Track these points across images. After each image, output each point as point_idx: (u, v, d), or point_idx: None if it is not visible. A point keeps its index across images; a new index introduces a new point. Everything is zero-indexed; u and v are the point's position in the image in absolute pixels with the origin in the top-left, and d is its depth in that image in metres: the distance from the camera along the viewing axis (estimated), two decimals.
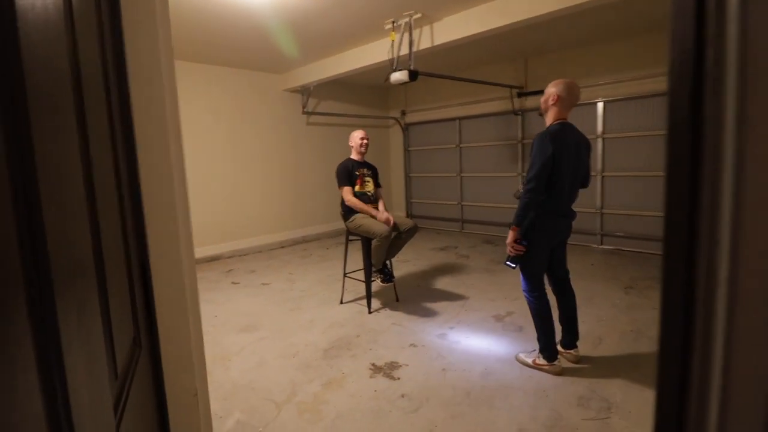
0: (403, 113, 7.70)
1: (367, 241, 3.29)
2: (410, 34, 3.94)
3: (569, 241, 2.48)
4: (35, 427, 0.35)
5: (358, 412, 2.05)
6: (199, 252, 5.25)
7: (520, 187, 2.26)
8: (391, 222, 3.20)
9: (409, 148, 7.79)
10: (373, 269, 3.34)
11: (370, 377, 2.38)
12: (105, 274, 0.65)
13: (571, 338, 2.46)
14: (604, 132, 5.28)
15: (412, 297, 3.72)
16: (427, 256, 5.26)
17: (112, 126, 0.85)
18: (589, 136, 2.41)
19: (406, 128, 7.75)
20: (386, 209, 3.46)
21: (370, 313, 3.36)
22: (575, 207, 2.35)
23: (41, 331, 0.36)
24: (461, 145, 6.91)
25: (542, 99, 2.30)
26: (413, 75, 3.96)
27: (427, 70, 4.44)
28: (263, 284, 4.34)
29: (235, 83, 5.69)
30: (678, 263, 0.36)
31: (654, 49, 4.72)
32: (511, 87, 5.88)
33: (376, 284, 3.47)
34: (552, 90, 2.24)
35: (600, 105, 5.25)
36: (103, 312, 0.61)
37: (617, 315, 3.14)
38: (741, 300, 0.32)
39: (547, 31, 4.53)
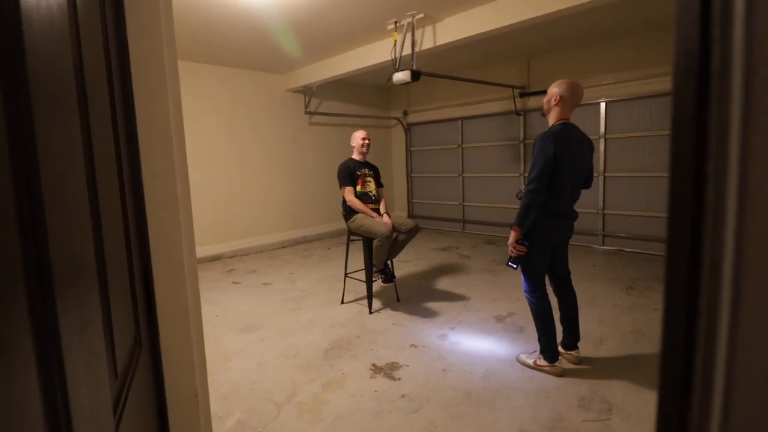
0: (405, 113, 7.70)
1: (368, 241, 3.29)
2: (413, 35, 3.94)
3: (571, 242, 2.48)
4: (34, 427, 0.35)
5: (358, 413, 2.05)
6: (201, 251, 5.26)
7: (522, 188, 2.26)
8: (390, 225, 3.20)
9: (411, 149, 7.79)
10: (374, 269, 3.34)
11: (371, 378, 2.38)
12: (106, 274, 0.65)
13: (572, 339, 2.45)
14: (606, 132, 5.27)
15: (413, 297, 3.72)
16: (429, 257, 5.25)
17: (115, 126, 0.85)
18: (591, 137, 2.40)
19: (408, 128, 7.75)
20: (388, 209, 3.46)
21: (370, 313, 3.36)
22: (577, 207, 2.35)
23: (41, 330, 0.37)
24: (463, 146, 6.91)
25: (545, 99, 2.30)
26: (415, 75, 3.96)
27: (429, 71, 4.44)
28: (264, 284, 4.35)
29: (237, 83, 5.70)
30: (681, 264, 0.36)
31: (657, 49, 4.71)
32: (513, 87, 5.87)
33: (377, 284, 3.47)
34: (554, 90, 2.23)
35: (602, 105, 5.24)
36: (104, 311, 0.62)
37: (618, 316, 3.13)
38: (745, 301, 0.32)
39: (550, 31, 4.52)
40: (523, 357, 2.49)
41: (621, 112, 5.15)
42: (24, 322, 0.34)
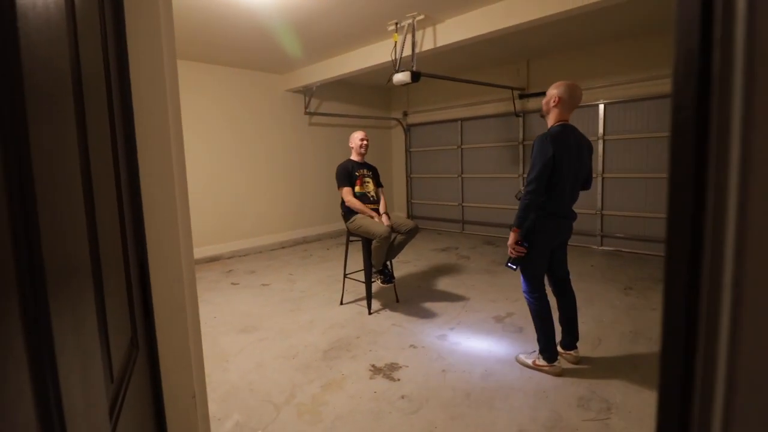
0: (405, 114, 7.70)
1: (367, 242, 3.29)
2: (413, 36, 3.94)
3: (569, 243, 2.48)
4: (26, 429, 0.35)
5: (357, 414, 2.05)
6: (199, 252, 5.25)
7: (522, 189, 2.26)
8: (389, 225, 3.20)
9: (411, 149, 7.79)
10: (374, 270, 3.34)
11: (370, 378, 2.38)
12: (102, 275, 0.65)
13: (571, 339, 2.45)
14: (605, 134, 5.28)
15: (413, 298, 3.72)
16: (428, 257, 5.25)
17: (112, 126, 0.85)
18: (590, 138, 2.41)
19: (407, 129, 7.76)
20: (387, 209, 3.46)
21: (370, 314, 3.36)
22: (575, 208, 2.35)
23: (34, 332, 0.36)
24: (463, 147, 6.91)
25: (544, 101, 2.30)
26: (415, 76, 3.96)
27: (429, 72, 4.44)
28: (263, 285, 4.34)
29: (237, 83, 5.70)
30: (681, 264, 0.36)
31: (655, 52, 4.72)
32: (512, 89, 5.88)
33: (377, 285, 3.46)
34: (553, 92, 2.24)
35: (601, 107, 5.25)
36: (99, 313, 0.61)
37: (617, 316, 3.13)
38: (747, 301, 0.31)
39: (549, 33, 4.53)
40: (522, 357, 2.48)
41: (619, 114, 5.16)
42: (16, 323, 0.34)
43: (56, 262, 0.42)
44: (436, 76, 4.80)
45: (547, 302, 2.33)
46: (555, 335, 2.36)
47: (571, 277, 2.48)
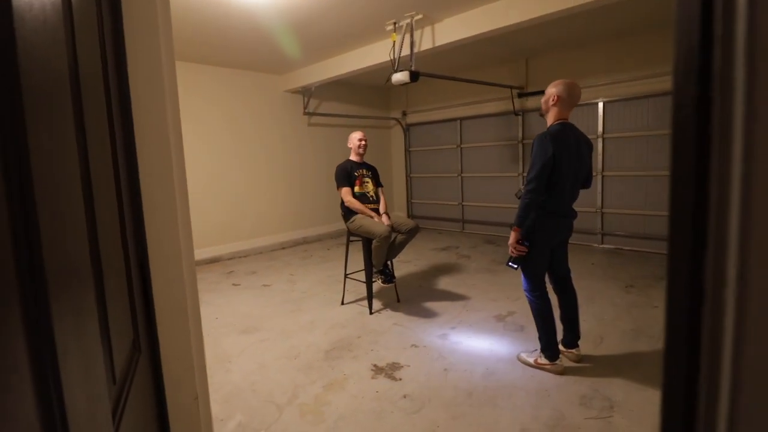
0: (404, 114, 7.70)
1: (368, 242, 3.29)
2: (411, 35, 3.94)
3: (570, 241, 2.47)
4: None
5: (359, 413, 2.05)
6: (200, 253, 5.25)
7: (522, 187, 2.26)
8: (389, 225, 3.20)
9: (410, 149, 7.79)
10: (374, 270, 3.34)
11: (372, 378, 2.38)
12: (103, 277, 0.65)
13: (572, 337, 2.45)
14: (604, 132, 5.28)
15: (414, 297, 3.72)
16: (429, 257, 5.25)
17: (111, 127, 0.84)
18: (589, 136, 2.41)
19: (407, 129, 7.75)
20: (387, 208, 3.46)
21: (371, 313, 3.36)
22: (575, 206, 2.35)
23: (36, 335, 0.36)
24: (462, 146, 6.91)
25: (543, 99, 2.30)
26: (414, 76, 3.96)
27: (428, 71, 4.44)
28: (264, 285, 4.34)
29: (236, 84, 5.69)
30: (683, 262, 0.36)
31: (655, 49, 4.71)
32: (511, 87, 5.88)
33: (377, 285, 3.46)
34: (552, 90, 2.23)
35: (600, 105, 5.25)
36: (101, 315, 0.61)
37: (618, 314, 3.13)
38: (751, 298, 0.31)
39: (548, 32, 4.53)
40: (523, 356, 2.48)
41: (619, 112, 5.16)
42: (17, 327, 0.34)
43: (57, 264, 0.41)
44: (434, 75, 4.79)
45: (548, 301, 2.32)
46: (556, 334, 2.36)
47: (571, 275, 2.47)
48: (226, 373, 2.50)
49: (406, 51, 4.03)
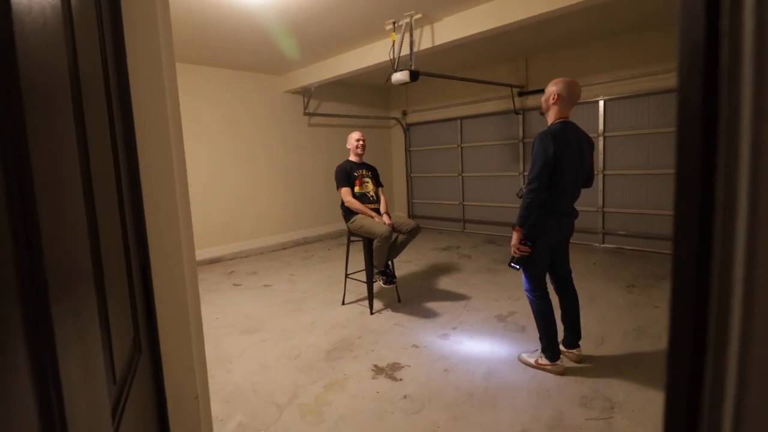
0: (405, 113, 7.70)
1: (368, 242, 3.29)
2: (411, 35, 3.94)
3: (571, 240, 2.47)
4: None
5: (360, 414, 2.05)
6: (201, 254, 5.25)
7: (523, 186, 2.25)
8: (389, 223, 3.20)
9: (411, 149, 7.79)
10: (375, 271, 3.33)
11: (372, 378, 2.38)
12: (103, 277, 0.65)
13: (573, 338, 2.45)
14: (605, 130, 5.27)
15: (414, 298, 3.72)
16: (429, 257, 5.25)
17: (112, 128, 0.84)
18: (590, 135, 2.40)
19: (407, 128, 7.75)
20: (388, 208, 3.46)
21: (372, 314, 3.36)
22: (576, 205, 2.34)
23: (35, 335, 0.36)
24: (462, 145, 6.91)
25: (543, 98, 2.30)
26: (414, 75, 3.96)
27: (427, 70, 4.44)
28: (265, 286, 4.34)
29: (236, 85, 5.70)
30: (688, 263, 0.36)
31: (655, 47, 4.71)
32: (511, 86, 5.87)
33: (378, 285, 3.46)
34: (552, 89, 2.23)
35: (601, 103, 5.24)
36: (101, 315, 0.61)
37: (619, 314, 3.13)
38: (758, 299, 0.31)
39: (548, 30, 4.52)
40: (524, 356, 2.48)
41: (620, 110, 5.15)
42: (17, 327, 0.34)
43: (57, 264, 0.41)
44: (434, 74, 4.79)
45: (549, 301, 2.32)
46: (557, 334, 2.36)
47: (573, 275, 2.47)
48: (226, 373, 2.50)
49: (405, 50, 4.03)
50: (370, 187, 3.48)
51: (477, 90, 6.27)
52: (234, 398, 2.23)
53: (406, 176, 7.88)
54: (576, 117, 2.30)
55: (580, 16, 3.88)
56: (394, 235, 3.27)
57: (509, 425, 1.92)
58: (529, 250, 2.23)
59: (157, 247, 1.10)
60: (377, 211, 3.39)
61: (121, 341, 0.76)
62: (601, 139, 5.26)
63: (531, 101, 5.95)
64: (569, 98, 2.21)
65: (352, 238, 3.50)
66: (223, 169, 5.65)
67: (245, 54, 4.91)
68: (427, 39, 4.04)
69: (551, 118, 2.26)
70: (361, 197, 3.38)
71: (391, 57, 4.09)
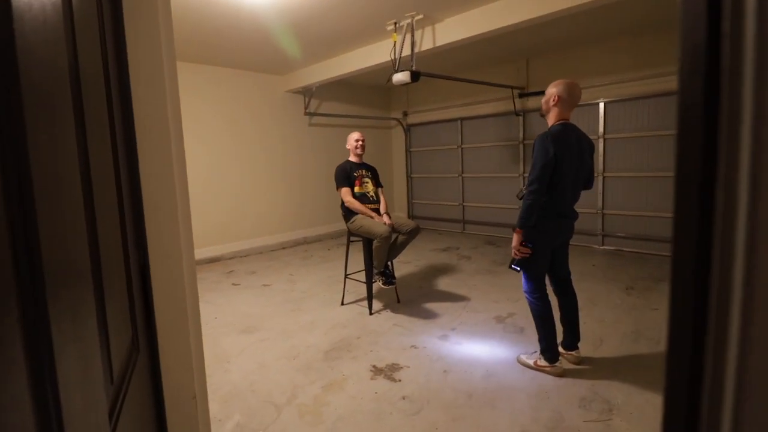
0: (405, 114, 7.70)
1: (368, 242, 3.28)
2: (412, 35, 3.94)
3: (571, 242, 2.47)
4: None
5: (359, 414, 2.04)
6: (200, 253, 5.25)
7: (523, 188, 2.25)
8: (389, 223, 3.20)
9: (411, 149, 7.79)
10: (375, 271, 3.33)
11: (371, 379, 2.38)
12: (102, 276, 0.65)
13: (572, 339, 2.44)
14: (605, 132, 5.28)
15: (414, 298, 3.71)
16: (429, 257, 5.25)
17: (112, 127, 0.84)
18: (590, 137, 2.40)
19: (407, 129, 7.75)
20: (388, 209, 3.46)
21: (371, 314, 3.36)
22: (576, 207, 2.34)
23: (33, 335, 0.36)
24: (463, 146, 6.91)
25: (543, 100, 2.30)
26: (415, 76, 3.96)
27: (428, 71, 4.44)
28: (264, 285, 4.34)
29: (237, 84, 5.70)
30: (687, 265, 0.36)
31: (655, 49, 4.71)
32: (512, 88, 5.87)
33: (377, 285, 3.46)
34: (552, 91, 2.23)
35: (601, 105, 5.24)
36: (99, 315, 0.61)
37: (618, 316, 3.13)
38: (758, 302, 0.31)
39: (549, 32, 4.52)
40: (523, 357, 2.48)
41: (620, 113, 5.15)
42: (14, 327, 0.34)
43: (56, 265, 0.41)
44: (435, 75, 4.79)
45: (549, 302, 2.32)
46: (556, 335, 2.36)
47: (572, 276, 2.47)
48: (225, 373, 2.50)
49: (406, 51, 4.03)
50: (369, 187, 3.48)
51: (478, 91, 6.28)
52: (232, 398, 2.22)
53: (407, 177, 7.88)
54: (576, 119, 2.30)
55: (581, 18, 3.88)
56: (394, 236, 3.27)
57: (508, 426, 1.91)
58: (530, 252, 2.23)
59: (157, 246, 1.09)
60: (377, 211, 3.39)
61: (119, 340, 0.76)
62: (601, 141, 5.27)
63: (531, 103, 5.95)
64: (570, 100, 2.21)
65: (352, 239, 3.50)
66: (223, 168, 5.65)
67: (246, 53, 4.92)
68: (429, 40, 4.05)
69: (551, 119, 2.26)
70: (361, 197, 3.38)
71: (392, 57, 4.09)
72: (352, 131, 3.66)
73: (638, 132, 5.02)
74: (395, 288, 3.61)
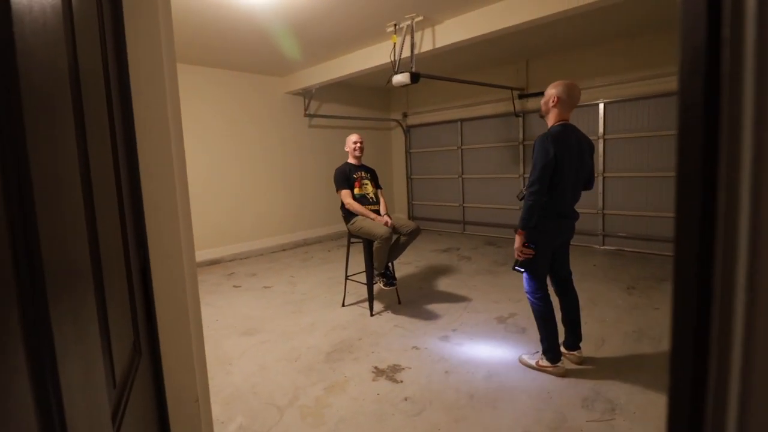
0: (405, 115, 7.71)
1: (368, 244, 3.28)
2: (412, 37, 3.94)
3: (571, 242, 2.47)
4: None
5: (360, 416, 2.04)
6: (200, 255, 5.25)
7: (523, 188, 2.25)
8: (389, 224, 3.20)
9: (411, 150, 7.79)
10: (375, 272, 3.33)
11: (373, 380, 2.37)
12: (103, 278, 0.64)
13: (574, 339, 2.44)
14: (605, 133, 5.28)
15: (415, 299, 3.71)
16: (429, 258, 5.24)
17: (112, 129, 0.84)
18: (590, 137, 2.40)
19: (407, 130, 7.76)
20: (388, 210, 3.46)
21: (372, 315, 3.35)
22: (577, 208, 2.34)
23: (34, 338, 0.36)
24: (463, 147, 6.91)
25: (542, 101, 2.30)
26: (415, 77, 3.96)
27: (428, 73, 4.44)
28: (265, 287, 4.33)
29: (236, 86, 5.70)
30: (690, 266, 0.35)
31: (655, 50, 4.72)
32: (512, 89, 5.88)
33: (378, 287, 3.46)
34: (552, 92, 2.23)
35: (601, 106, 5.25)
36: (101, 319, 0.61)
37: (620, 316, 3.12)
38: (761, 301, 0.31)
39: (548, 33, 4.53)
40: (525, 358, 2.47)
41: (620, 113, 5.16)
42: (16, 331, 0.33)
43: (56, 266, 0.41)
44: (435, 77, 4.80)
45: (550, 302, 2.32)
46: (558, 336, 2.35)
47: (573, 276, 2.47)
48: (226, 375, 2.50)
49: (406, 53, 4.03)
50: (369, 188, 3.48)
51: (477, 92, 6.28)
52: (234, 400, 2.22)
53: (407, 178, 7.88)
54: (576, 120, 2.31)
55: (580, 19, 3.88)
56: (394, 237, 3.27)
57: (510, 427, 1.91)
58: (533, 253, 2.22)
59: (157, 248, 1.09)
60: (377, 212, 3.39)
61: (121, 344, 0.76)
62: (601, 141, 5.27)
63: (531, 104, 5.95)
64: (569, 101, 2.21)
65: (352, 240, 3.50)
66: (223, 169, 5.65)
67: (246, 55, 4.92)
68: (428, 41, 4.05)
69: (551, 120, 2.26)
70: (361, 199, 3.38)
71: (392, 59, 4.10)
72: (351, 133, 3.67)
73: (638, 132, 5.03)
74: (396, 289, 3.61)
